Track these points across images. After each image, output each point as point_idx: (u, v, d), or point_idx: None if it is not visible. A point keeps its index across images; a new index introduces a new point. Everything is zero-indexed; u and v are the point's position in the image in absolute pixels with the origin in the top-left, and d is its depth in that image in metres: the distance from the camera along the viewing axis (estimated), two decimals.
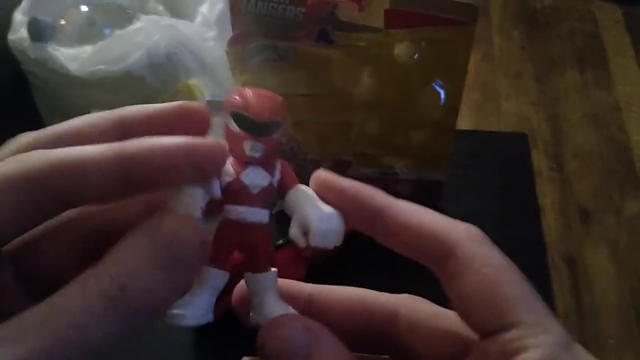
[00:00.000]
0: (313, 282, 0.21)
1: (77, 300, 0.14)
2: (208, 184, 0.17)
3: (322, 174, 0.19)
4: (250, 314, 0.19)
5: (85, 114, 0.65)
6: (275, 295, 0.19)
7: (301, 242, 0.18)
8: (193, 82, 0.82)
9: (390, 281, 0.19)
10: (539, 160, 1.31)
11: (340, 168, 0.49)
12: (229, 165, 0.18)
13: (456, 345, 0.18)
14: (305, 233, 0.18)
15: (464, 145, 0.54)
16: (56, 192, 0.15)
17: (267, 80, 0.45)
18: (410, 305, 0.19)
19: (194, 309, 0.17)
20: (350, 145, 0.48)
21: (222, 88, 0.86)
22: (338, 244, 0.18)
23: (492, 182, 0.52)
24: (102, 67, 0.76)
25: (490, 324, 0.16)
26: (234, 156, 0.18)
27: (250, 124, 0.18)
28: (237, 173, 0.18)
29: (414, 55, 0.41)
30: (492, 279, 0.17)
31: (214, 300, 0.18)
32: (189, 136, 0.16)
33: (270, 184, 0.19)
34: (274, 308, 0.18)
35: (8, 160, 0.15)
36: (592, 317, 1.07)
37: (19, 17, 0.82)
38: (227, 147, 0.18)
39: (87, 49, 0.78)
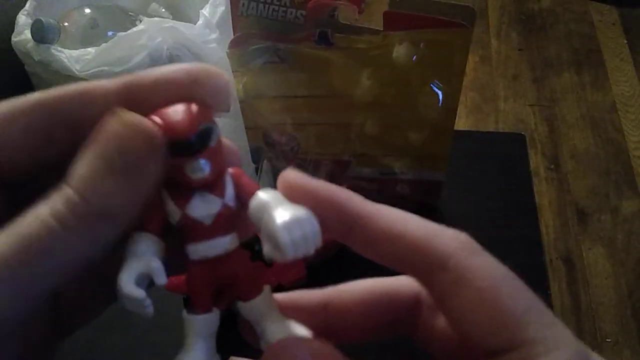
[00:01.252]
0: (313, 282, 0.19)
1: (47, 215, 0.14)
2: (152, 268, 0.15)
3: (288, 175, 0.17)
4: (260, 342, 0.17)
5: None
6: (276, 316, 0.17)
7: (280, 258, 0.15)
8: None
9: None
10: (537, 161, 1.31)
11: (340, 168, 0.50)
12: (171, 204, 0.16)
13: (490, 346, 0.15)
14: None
15: (462, 145, 0.54)
16: (66, 117, 0.15)
17: (268, 81, 0.45)
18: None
19: None
20: (350, 146, 0.48)
21: None
22: (318, 246, 0.16)
23: (490, 182, 0.53)
24: (105, 68, 0.76)
25: (494, 344, 0.14)
26: (178, 190, 0.16)
27: (181, 144, 0.15)
28: (182, 208, 0.16)
29: (413, 57, 0.41)
30: (492, 293, 0.15)
31: (214, 343, 0.17)
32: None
33: (224, 206, 0.16)
34: (277, 331, 0.16)
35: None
36: (589, 315, 1.08)
37: (23, 19, 0.82)
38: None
39: (90, 51, 0.78)
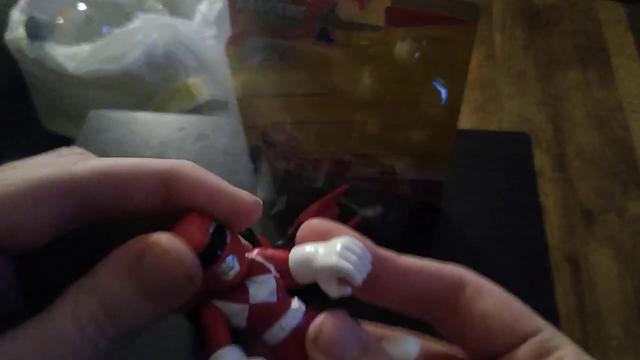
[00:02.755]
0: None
1: (68, 320, 0.14)
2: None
3: (314, 223, 0.18)
4: None
5: (83, 112, 0.64)
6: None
7: (347, 291, 0.16)
8: (192, 81, 0.82)
9: None
10: (542, 160, 1.31)
11: (340, 168, 0.49)
12: (232, 306, 0.16)
13: (512, 340, 0.18)
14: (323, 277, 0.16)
15: (465, 144, 0.54)
16: (99, 204, 0.16)
17: (267, 79, 0.45)
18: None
19: None
20: (351, 145, 0.48)
21: (221, 87, 0.86)
22: (371, 260, 0.17)
23: (494, 182, 0.52)
24: (100, 66, 0.76)
25: (516, 334, 0.18)
26: (228, 292, 0.17)
27: (203, 252, 0.16)
28: (245, 302, 0.16)
29: (415, 54, 0.41)
30: (506, 297, 0.18)
31: None
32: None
33: (276, 278, 0.17)
34: None
35: (62, 164, 0.16)
36: (594, 317, 1.07)
37: (17, 15, 0.82)
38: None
39: (85, 48, 0.78)
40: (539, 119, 1.40)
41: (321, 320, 0.16)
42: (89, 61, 0.77)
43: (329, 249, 0.16)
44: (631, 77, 1.48)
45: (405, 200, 0.50)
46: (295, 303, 0.17)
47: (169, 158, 0.58)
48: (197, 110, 0.84)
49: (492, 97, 1.46)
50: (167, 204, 0.16)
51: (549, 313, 0.45)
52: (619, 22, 1.61)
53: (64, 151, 0.17)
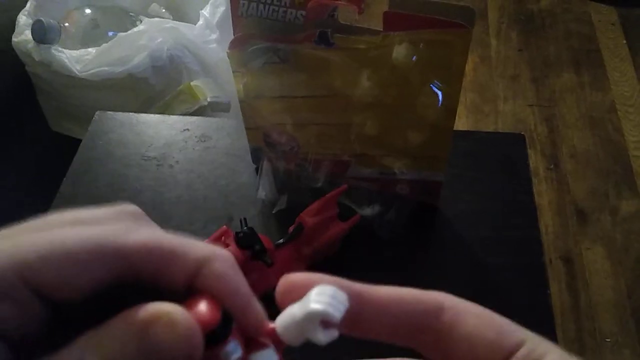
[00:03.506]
0: None
1: None
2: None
3: (289, 278, 0.18)
4: None
5: (89, 114, 0.65)
6: None
7: (329, 334, 0.17)
8: (195, 83, 0.83)
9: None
10: (536, 161, 1.31)
11: (340, 168, 0.50)
12: None
13: (498, 356, 0.18)
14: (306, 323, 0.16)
15: (461, 145, 0.54)
16: (138, 274, 0.17)
17: (268, 82, 0.45)
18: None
19: None
20: (350, 146, 0.48)
21: (223, 90, 0.87)
22: (346, 303, 0.17)
23: (490, 182, 0.52)
24: (106, 69, 0.76)
25: (502, 348, 0.17)
26: None
27: (209, 337, 0.16)
28: None
29: (413, 57, 0.41)
30: (486, 315, 0.18)
31: None
32: None
33: (279, 353, 0.17)
34: None
35: (117, 230, 0.17)
36: (589, 315, 1.08)
37: (23, 19, 0.82)
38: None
39: (91, 51, 0.78)
40: (533, 120, 1.41)
41: None
42: (95, 64, 0.78)
43: (303, 301, 0.17)
44: (624, 79, 1.49)
45: (404, 200, 0.50)
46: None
47: (172, 158, 0.58)
48: (200, 112, 0.84)
49: (487, 99, 1.46)
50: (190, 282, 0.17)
51: (544, 311, 0.46)
52: (612, 25, 1.62)
53: (121, 212, 0.18)
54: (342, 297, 0.17)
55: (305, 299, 0.17)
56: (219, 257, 0.17)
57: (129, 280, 0.17)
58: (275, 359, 0.17)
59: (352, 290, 0.18)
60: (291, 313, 0.17)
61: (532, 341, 0.18)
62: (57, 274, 0.16)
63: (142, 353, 0.15)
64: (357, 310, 0.18)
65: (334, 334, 0.17)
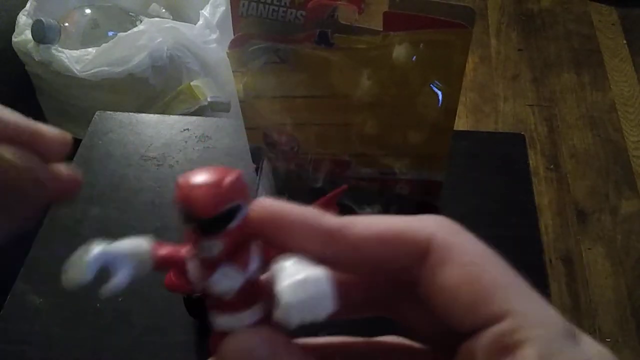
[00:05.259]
0: None
1: None
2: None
3: (259, 203, 0.16)
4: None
5: (89, 115, 0.65)
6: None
7: (287, 323, 0.15)
8: (195, 83, 0.83)
9: None
10: (536, 161, 1.32)
11: (340, 168, 0.50)
12: (194, 272, 0.15)
13: (471, 323, 0.15)
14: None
15: (462, 145, 0.54)
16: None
17: (268, 82, 0.45)
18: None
19: None
20: (350, 146, 0.48)
21: (223, 90, 0.87)
22: (329, 311, 0.15)
23: (490, 182, 0.53)
24: (106, 68, 0.76)
25: (476, 317, 0.14)
26: (198, 256, 0.15)
27: (194, 221, 0.14)
28: (204, 282, 0.15)
29: (413, 57, 0.41)
30: (475, 268, 0.15)
31: None
32: None
33: (246, 281, 0.15)
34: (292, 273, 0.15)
35: None
36: (589, 315, 1.08)
37: (23, 19, 0.82)
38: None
39: (91, 51, 0.78)
40: (533, 120, 1.41)
41: (223, 344, 0.15)
42: (95, 64, 0.78)
43: (291, 273, 0.15)
44: (624, 79, 1.49)
45: (404, 200, 0.50)
46: (248, 315, 0.15)
47: (171, 158, 0.59)
48: (200, 112, 0.84)
49: (487, 99, 1.46)
50: None
51: None
52: (612, 25, 1.62)
53: None
54: (322, 306, 0.14)
55: (299, 270, 0.15)
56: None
57: None
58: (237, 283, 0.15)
59: (322, 230, 0.15)
60: (281, 269, 0.15)
61: (519, 318, 0.14)
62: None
63: None
64: (329, 253, 0.15)
65: (289, 324, 0.15)
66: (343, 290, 0.16)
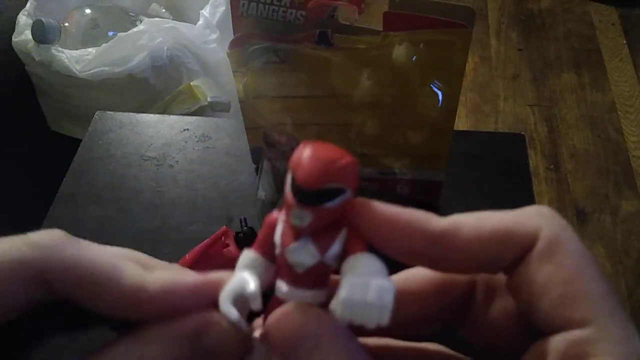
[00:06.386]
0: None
1: None
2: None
3: (361, 202, 0.16)
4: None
5: (89, 115, 0.65)
6: None
7: (339, 315, 0.15)
8: (195, 83, 0.83)
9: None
10: (536, 161, 1.32)
11: None
12: (279, 235, 0.16)
13: (553, 323, 0.15)
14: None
15: (462, 145, 0.54)
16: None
17: (268, 82, 0.45)
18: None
19: None
20: (350, 146, 0.48)
21: (223, 90, 0.87)
22: (383, 323, 0.14)
23: (490, 182, 0.53)
24: (106, 69, 0.77)
25: (560, 318, 0.14)
26: (287, 222, 0.16)
27: (296, 189, 0.15)
28: (283, 247, 0.15)
29: (413, 57, 0.41)
30: (573, 270, 0.15)
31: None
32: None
33: (320, 262, 0.15)
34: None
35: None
36: None
37: (23, 19, 0.83)
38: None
39: (91, 51, 0.78)
40: (533, 120, 1.41)
41: (272, 315, 0.15)
42: (95, 64, 0.78)
43: (361, 273, 0.15)
44: (624, 79, 1.49)
45: (404, 200, 0.50)
46: (310, 295, 0.16)
47: (171, 158, 0.59)
48: (200, 112, 0.84)
49: (487, 99, 1.47)
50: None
51: None
52: (612, 25, 1.62)
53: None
54: (377, 313, 0.14)
55: (369, 273, 0.15)
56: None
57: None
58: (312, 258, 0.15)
59: (429, 232, 0.15)
60: (354, 266, 0.15)
61: (596, 330, 0.14)
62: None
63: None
64: (434, 254, 0.16)
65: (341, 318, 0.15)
66: (402, 306, 0.16)
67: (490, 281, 0.17)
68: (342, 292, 0.15)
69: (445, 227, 0.16)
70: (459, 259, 0.16)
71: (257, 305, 0.16)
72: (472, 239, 0.15)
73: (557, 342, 0.14)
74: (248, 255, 0.17)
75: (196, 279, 0.17)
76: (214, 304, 0.16)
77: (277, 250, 0.16)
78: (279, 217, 0.16)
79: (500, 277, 0.17)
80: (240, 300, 0.16)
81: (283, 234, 0.16)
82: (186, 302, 0.16)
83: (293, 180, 0.15)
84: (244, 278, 0.16)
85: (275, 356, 0.16)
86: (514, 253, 0.15)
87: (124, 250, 0.17)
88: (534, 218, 0.15)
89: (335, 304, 0.15)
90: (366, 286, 0.14)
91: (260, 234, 0.17)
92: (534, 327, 0.15)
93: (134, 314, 0.16)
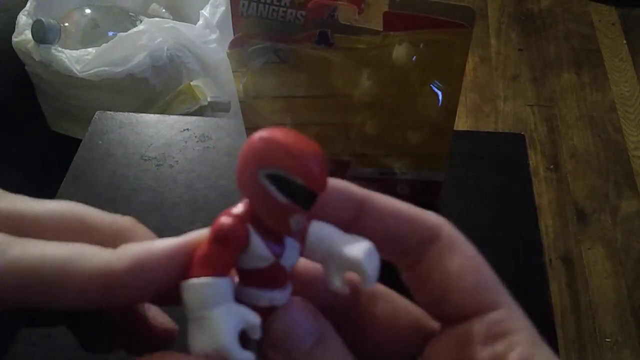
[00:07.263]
0: None
1: None
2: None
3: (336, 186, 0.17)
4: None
5: (89, 115, 0.66)
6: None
7: (346, 290, 0.15)
8: (195, 83, 0.83)
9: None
10: (536, 161, 1.32)
11: (340, 168, 0.50)
12: (262, 247, 0.15)
13: (466, 309, 0.16)
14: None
15: (461, 145, 0.54)
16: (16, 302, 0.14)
17: (268, 82, 0.45)
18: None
19: None
20: (350, 146, 0.48)
21: (223, 90, 0.87)
22: (375, 282, 0.15)
23: (490, 182, 0.53)
24: (106, 69, 0.77)
25: (476, 303, 0.16)
26: (269, 227, 0.15)
27: (304, 196, 0.14)
28: (275, 255, 0.15)
29: (413, 57, 0.41)
30: (478, 260, 0.17)
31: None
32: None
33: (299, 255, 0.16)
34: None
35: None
36: (589, 315, 1.08)
37: (23, 19, 0.83)
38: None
39: (91, 51, 0.78)
40: (533, 120, 1.41)
41: (274, 315, 0.15)
42: (95, 64, 0.78)
43: (358, 243, 0.15)
44: (624, 78, 1.49)
45: (404, 200, 0.50)
46: (288, 292, 0.16)
47: (171, 158, 0.59)
48: (200, 112, 0.84)
49: (487, 99, 1.47)
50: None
51: (544, 311, 0.46)
52: (612, 25, 1.63)
53: None
54: (378, 270, 0.15)
55: (358, 240, 0.15)
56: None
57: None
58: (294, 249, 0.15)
59: (356, 197, 0.17)
60: (332, 240, 0.15)
61: (507, 310, 0.16)
62: None
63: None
64: (355, 215, 0.17)
65: (345, 290, 0.15)
66: None
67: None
68: (367, 267, 0.15)
69: (364, 193, 0.17)
70: (376, 228, 0.17)
71: (257, 335, 0.15)
72: (383, 210, 0.17)
73: (477, 324, 0.16)
74: (210, 283, 0.14)
75: (168, 246, 0.16)
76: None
77: (263, 263, 0.15)
78: (250, 231, 0.15)
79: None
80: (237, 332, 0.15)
81: (267, 244, 0.15)
82: (162, 275, 0.15)
83: (295, 186, 0.14)
84: (238, 313, 0.14)
85: (277, 355, 0.15)
86: (421, 236, 0.17)
87: (70, 220, 0.16)
88: (436, 217, 0.17)
89: (366, 281, 0.15)
90: (372, 251, 0.15)
91: (214, 255, 0.15)
92: (433, 317, 0.17)
93: (104, 302, 0.14)
